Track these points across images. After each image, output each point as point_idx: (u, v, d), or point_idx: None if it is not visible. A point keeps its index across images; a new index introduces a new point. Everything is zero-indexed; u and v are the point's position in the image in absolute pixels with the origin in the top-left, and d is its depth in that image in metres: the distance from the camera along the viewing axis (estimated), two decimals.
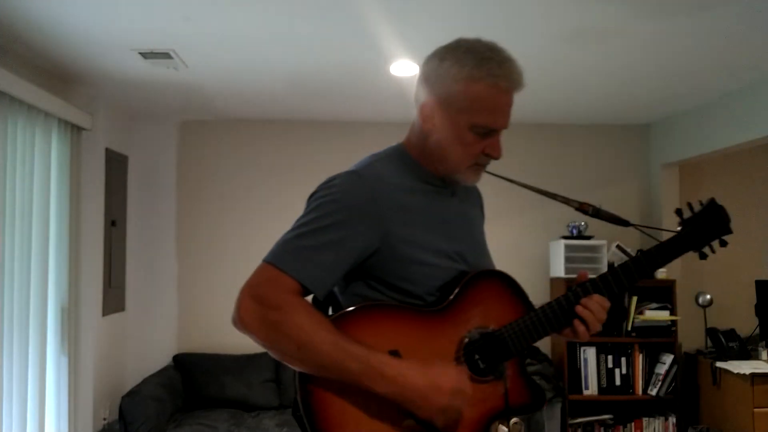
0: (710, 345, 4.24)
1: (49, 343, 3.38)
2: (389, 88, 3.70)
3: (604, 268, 4.12)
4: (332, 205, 1.20)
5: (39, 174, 3.25)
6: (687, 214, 1.35)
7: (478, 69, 1.21)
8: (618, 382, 4.17)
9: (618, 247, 4.25)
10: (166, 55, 3.13)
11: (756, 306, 4.26)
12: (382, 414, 1.17)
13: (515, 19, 2.71)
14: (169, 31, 2.86)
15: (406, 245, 1.22)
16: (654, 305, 4.17)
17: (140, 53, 3.11)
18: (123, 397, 3.68)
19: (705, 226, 1.32)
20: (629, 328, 4.15)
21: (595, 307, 1.28)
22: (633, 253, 4.21)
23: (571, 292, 1.31)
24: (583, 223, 4.27)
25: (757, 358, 4.05)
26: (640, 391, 4.15)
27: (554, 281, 4.40)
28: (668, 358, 4.11)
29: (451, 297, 1.24)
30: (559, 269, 4.19)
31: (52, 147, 3.41)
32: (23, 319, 3.09)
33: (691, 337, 4.39)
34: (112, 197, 4.08)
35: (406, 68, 3.33)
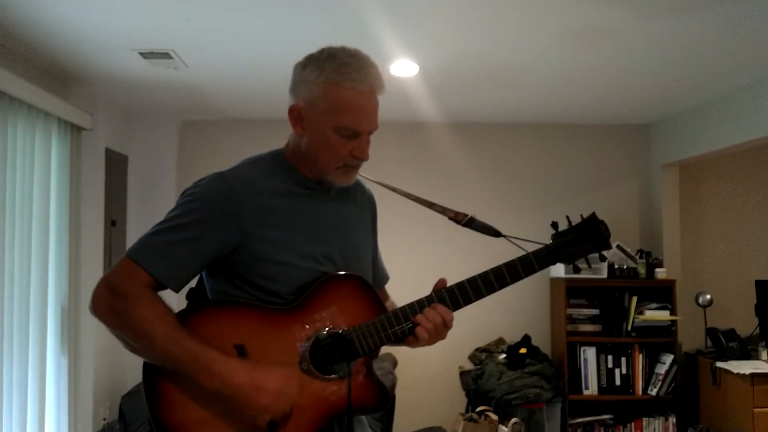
0: (710, 345, 4.24)
1: (49, 343, 3.38)
2: (389, 88, 3.68)
3: (604, 269, 4.12)
4: (194, 203, 1.27)
5: (39, 174, 3.25)
6: (564, 227, 1.40)
7: (337, 73, 1.28)
8: (618, 382, 4.17)
9: (618, 247, 4.25)
10: (166, 55, 3.13)
11: (756, 306, 4.26)
12: (215, 406, 1.23)
13: (515, 19, 2.71)
14: (169, 31, 2.86)
15: (266, 245, 1.28)
16: (654, 305, 4.17)
17: (140, 53, 3.11)
18: (123, 397, 3.69)
19: (579, 240, 1.36)
20: (629, 328, 4.16)
21: (432, 316, 1.32)
22: (633, 253, 4.23)
23: (424, 299, 1.35)
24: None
25: (757, 358, 4.05)
26: (640, 391, 4.15)
27: (554, 282, 4.40)
28: (668, 358, 4.11)
29: (304, 296, 1.29)
30: (559, 270, 4.19)
31: (52, 147, 3.41)
32: (23, 319, 3.09)
33: (691, 337, 4.39)
34: (112, 197, 4.08)
35: (406, 68, 3.33)
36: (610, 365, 4.17)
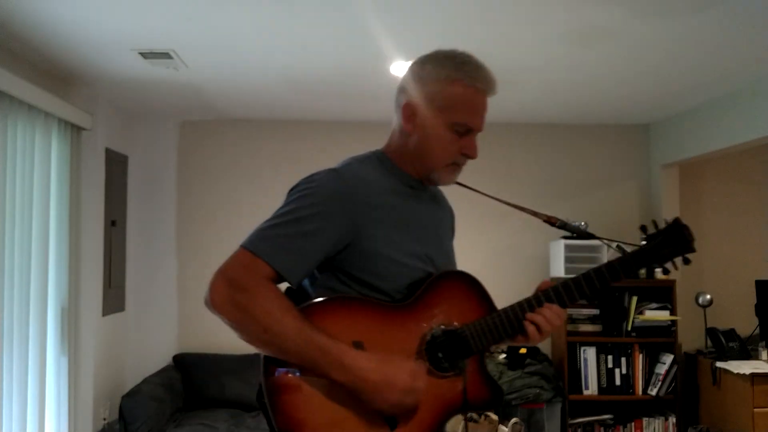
0: (710, 345, 4.24)
1: (49, 343, 3.38)
2: (389, 88, 3.68)
3: None
4: (310, 198, 1.26)
5: (39, 174, 3.25)
6: (652, 230, 1.44)
7: (457, 71, 1.32)
8: (618, 382, 4.16)
9: (618, 247, 4.24)
10: (166, 55, 3.13)
11: (756, 306, 4.26)
12: (343, 404, 1.21)
13: (515, 19, 2.71)
14: (169, 31, 2.86)
15: (377, 242, 1.28)
16: (654, 305, 4.17)
17: (140, 53, 3.11)
18: (123, 397, 3.68)
19: (668, 243, 1.39)
20: (629, 328, 4.15)
21: (548, 314, 1.34)
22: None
23: (533, 298, 1.37)
24: (583, 223, 4.27)
25: (757, 358, 4.05)
26: (640, 391, 4.15)
27: (554, 282, 4.39)
28: (668, 358, 4.11)
29: (417, 294, 1.30)
30: (559, 269, 4.19)
31: (52, 147, 3.41)
32: (23, 319, 3.09)
33: (691, 337, 4.39)
34: (112, 197, 4.08)
35: (406, 68, 3.32)
36: (610, 365, 4.17)
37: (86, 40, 2.96)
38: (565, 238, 4.25)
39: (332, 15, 2.67)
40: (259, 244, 1.22)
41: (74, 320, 3.61)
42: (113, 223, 4.11)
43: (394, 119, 1.42)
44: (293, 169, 5.07)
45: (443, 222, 1.49)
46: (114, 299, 4.14)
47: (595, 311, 4.22)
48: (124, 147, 4.32)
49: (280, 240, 1.22)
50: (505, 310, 1.35)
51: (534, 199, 4.55)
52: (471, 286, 1.37)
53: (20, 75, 2.99)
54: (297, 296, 1.31)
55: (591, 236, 1.50)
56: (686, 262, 1.39)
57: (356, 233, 1.26)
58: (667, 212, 4.49)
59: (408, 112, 1.36)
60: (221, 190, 4.60)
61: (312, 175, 1.32)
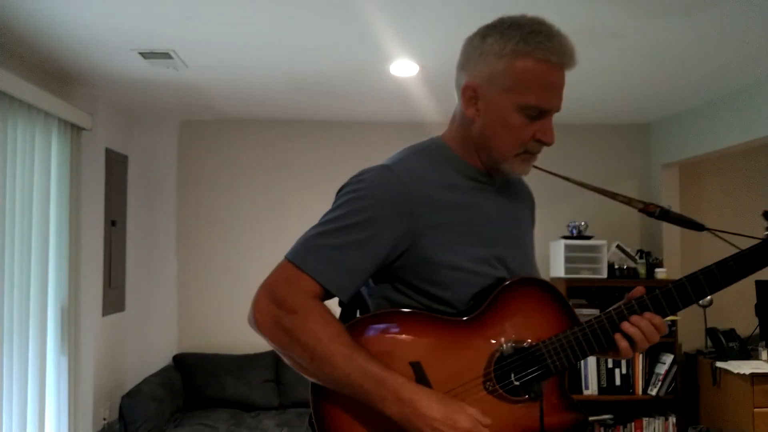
0: (710, 345, 4.24)
1: (49, 343, 3.38)
2: (389, 88, 3.70)
3: (604, 268, 4.12)
4: (360, 201, 1.10)
5: (39, 174, 3.25)
6: None
7: (525, 43, 1.11)
8: (618, 382, 4.16)
9: (618, 247, 4.25)
10: (166, 55, 3.13)
11: (756, 306, 4.25)
12: None
13: None
14: (169, 31, 2.86)
15: (437, 247, 1.12)
16: None
17: (140, 53, 3.11)
18: (123, 397, 3.68)
19: None
20: None
21: (644, 325, 1.14)
22: (633, 254, 4.23)
23: (624, 306, 1.17)
24: (583, 223, 4.27)
25: (757, 358, 4.05)
26: (640, 391, 4.15)
27: (554, 281, 4.39)
28: (668, 358, 4.11)
29: (484, 306, 1.13)
30: (559, 269, 4.19)
31: (52, 147, 3.41)
32: (23, 319, 3.09)
33: (691, 337, 4.39)
34: (112, 197, 4.08)
35: (406, 68, 3.33)
36: (610, 365, 4.17)
37: (86, 40, 2.96)
38: (565, 237, 4.25)
39: (332, 15, 2.67)
40: (306, 256, 1.08)
41: (74, 320, 3.61)
42: (113, 223, 4.11)
43: (456, 103, 1.22)
44: (293, 168, 5.10)
45: (520, 215, 1.29)
46: (114, 299, 4.14)
47: (596, 311, 4.21)
48: (124, 147, 4.32)
49: (327, 252, 1.08)
50: (590, 322, 1.15)
51: (534, 198, 4.55)
52: (548, 294, 1.17)
53: (20, 75, 2.99)
54: (353, 307, 1.22)
55: (701, 228, 1.25)
56: None
57: (413, 238, 1.12)
58: None
59: (468, 94, 1.16)
60: (221, 190, 4.60)
61: (361, 173, 1.15)
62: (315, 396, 1.11)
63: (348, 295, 1.12)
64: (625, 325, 1.14)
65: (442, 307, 1.14)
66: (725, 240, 1.25)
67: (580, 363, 4.15)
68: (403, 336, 1.11)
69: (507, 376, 1.13)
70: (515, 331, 1.14)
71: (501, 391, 1.12)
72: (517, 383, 1.13)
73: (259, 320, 1.07)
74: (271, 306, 1.06)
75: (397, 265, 1.14)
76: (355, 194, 1.11)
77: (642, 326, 1.13)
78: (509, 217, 1.24)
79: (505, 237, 1.21)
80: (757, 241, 1.17)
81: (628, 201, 1.31)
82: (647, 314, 1.15)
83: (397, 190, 1.11)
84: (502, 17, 1.18)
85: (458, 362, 1.11)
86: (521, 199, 1.32)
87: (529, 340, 1.15)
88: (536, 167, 1.26)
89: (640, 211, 1.31)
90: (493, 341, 1.13)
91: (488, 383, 1.12)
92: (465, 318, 1.13)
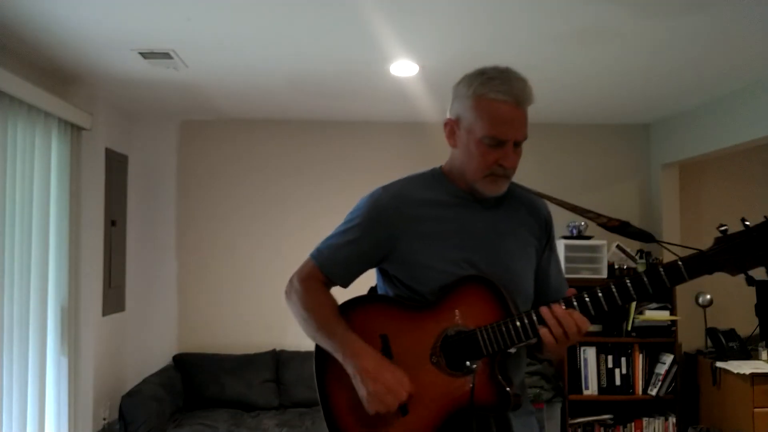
0: (710, 345, 4.24)
1: (49, 343, 3.38)
2: (389, 88, 3.70)
3: (604, 268, 4.12)
4: (355, 212, 1.50)
5: (39, 174, 3.25)
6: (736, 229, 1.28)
7: (483, 86, 1.37)
8: (618, 382, 4.17)
9: (618, 247, 4.25)
10: (166, 55, 3.13)
11: (756, 306, 4.25)
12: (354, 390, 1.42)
13: (515, 19, 2.71)
14: (169, 31, 2.86)
15: (413, 251, 1.44)
16: (654, 305, 4.17)
17: (140, 53, 3.11)
18: (123, 397, 3.69)
19: (750, 246, 1.24)
20: (629, 328, 4.15)
21: (562, 315, 1.32)
22: (633, 254, 4.23)
23: (552, 302, 1.35)
24: (583, 223, 4.27)
25: (757, 358, 4.05)
26: (640, 391, 4.15)
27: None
28: (668, 358, 4.11)
29: (440, 297, 1.41)
30: None
31: (52, 147, 3.41)
32: (23, 319, 3.09)
33: (691, 337, 4.39)
34: (112, 197, 4.08)
35: (406, 68, 3.33)
36: (610, 365, 4.17)
37: (86, 40, 2.96)
38: (566, 237, 4.25)
39: (333, 15, 2.67)
40: (317, 253, 1.52)
41: (74, 320, 3.61)
42: (113, 223, 4.11)
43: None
44: (293, 168, 5.10)
45: (511, 230, 1.50)
46: (114, 299, 4.14)
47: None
48: (124, 147, 4.32)
49: (331, 249, 1.50)
50: (520, 314, 1.36)
51: None
52: (492, 291, 1.39)
53: (20, 75, 2.99)
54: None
55: (652, 239, 1.41)
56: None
57: (393, 243, 1.45)
58: (667, 212, 4.49)
59: (448, 128, 1.47)
60: (221, 190, 4.60)
61: (368, 194, 1.52)
62: (318, 358, 1.51)
63: (344, 282, 1.51)
64: (543, 311, 1.33)
65: (418, 297, 1.44)
66: (672, 252, 1.38)
67: (579, 363, 4.15)
68: (380, 315, 1.47)
69: (449, 353, 1.39)
70: (462, 317, 1.40)
71: (443, 364, 1.39)
72: (457, 361, 1.38)
73: (286, 292, 1.53)
74: (290, 285, 1.53)
75: (388, 265, 1.49)
76: (355, 208, 1.52)
77: (558, 314, 1.32)
78: (492, 231, 1.47)
79: (483, 246, 1.45)
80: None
81: (596, 216, 1.53)
82: (569, 309, 1.34)
83: (381, 205, 1.47)
84: (476, 69, 1.43)
85: (415, 338, 1.42)
86: (520, 217, 1.54)
87: (472, 326, 1.38)
88: (521, 186, 1.53)
89: (599, 225, 1.53)
90: (444, 324, 1.40)
91: (434, 357, 1.40)
92: (426, 305, 1.43)
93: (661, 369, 4.12)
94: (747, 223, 1.28)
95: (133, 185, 4.44)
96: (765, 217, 1.22)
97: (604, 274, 4.12)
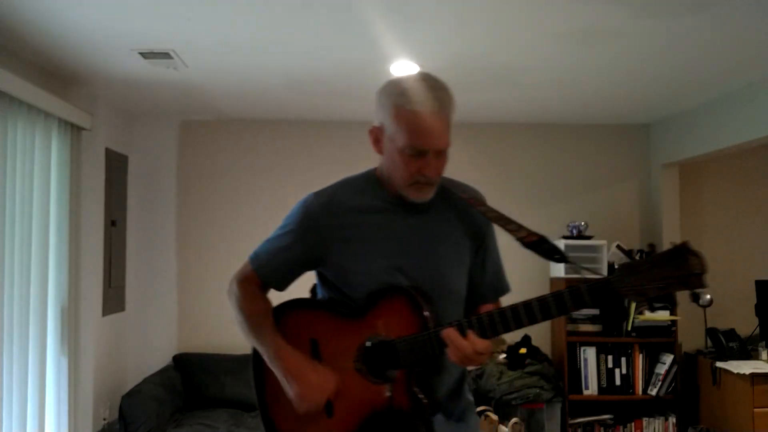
0: (710, 345, 4.24)
1: (49, 343, 3.38)
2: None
3: (605, 268, 4.12)
4: (288, 219, 1.52)
5: (39, 174, 3.25)
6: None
7: (400, 96, 1.37)
8: (618, 382, 4.17)
9: (618, 247, 4.24)
10: (166, 55, 3.13)
11: (756, 306, 4.26)
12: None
13: (515, 19, 2.71)
14: (169, 31, 2.86)
15: (342, 257, 1.46)
16: (654, 305, 4.16)
17: (140, 53, 3.11)
18: (123, 397, 3.68)
19: (654, 273, 1.18)
20: (629, 328, 4.15)
21: (461, 345, 1.32)
22: (633, 254, 4.22)
23: (463, 321, 1.35)
24: (583, 223, 4.27)
25: (757, 358, 4.05)
26: (640, 391, 4.15)
27: (554, 281, 4.40)
28: (668, 358, 4.11)
29: (365, 305, 1.44)
30: (559, 269, 4.19)
31: (52, 147, 3.41)
32: (23, 319, 3.09)
33: (691, 337, 4.39)
34: (112, 197, 4.08)
35: (406, 68, 3.32)
36: (610, 365, 4.17)
37: (86, 40, 2.96)
38: (565, 237, 4.25)
39: (332, 15, 2.67)
40: (255, 257, 1.54)
41: (74, 320, 3.61)
42: (113, 223, 4.11)
43: None
44: (293, 169, 5.10)
45: (439, 232, 1.49)
46: (114, 299, 4.14)
47: (595, 311, 4.22)
48: (124, 147, 4.32)
49: (265, 254, 1.53)
50: (435, 328, 1.36)
51: (533, 199, 4.55)
52: (409, 302, 1.41)
53: (20, 75, 2.99)
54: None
55: (564, 260, 1.43)
56: (694, 299, 1.22)
57: (324, 249, 1.47)
58: (667, 212, 4.49)
59: (372, 136, 1.48)
60: (221, 190, 4.60)
61: (302, 199, 1.53)
62: (255, 361, 1.58)
63: (277, 286, 1.53)
64: (449, 343, 1.33)
65: (349, 301, 1.47)
66: (585, 272, 1.26)
67: (579, 363, 4.15)
68: (311, 320, 1.52)
69: (371, 360, 1.43)
70: (384, 327, 1.42)
71: (365, 371, 1.43)
72: (379, 369, 1.41)
73: (227, 292, 1.56)
74: (229, 287, 1.56)
75: (323, 269, 1.52)
76: (291, 213, 1.53)
77: (459, 346, 1.31)
78: (423, 235, 1.47)
79: (412, 251, 1.46)
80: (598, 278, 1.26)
81: (517, 229, 1.47)
82: (470, 336, 1.32)
83: (312, 212, 1.48)
84: (392, 79, 1.44)
85: (341, 344, 1.46)
86: (452, 219, 1.52)
87: (392, 336, 1.41)
88: (466, 198, 1.53)
89: (517, 239, 1.46)
90: (366, 333, 1.43)
91: (357, 363, 1.44)
92: (353, 313, 1.46)
93: (661, 369, 4.12)
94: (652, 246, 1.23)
95: (133, 185, 4.44)
96: (671, 243, 1.19)
97: (605, 275, 4.11)
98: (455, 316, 1.42)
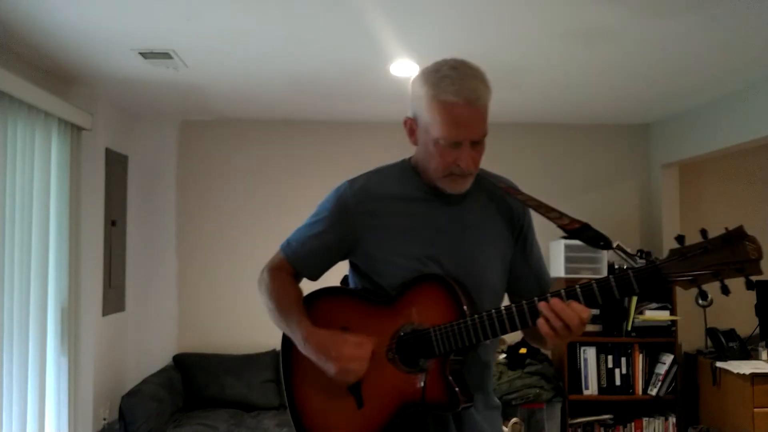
0: (710, 345, 4.24)
1: (49, 343, 3.38)
2: (389, 88, 3.70)
3: (604, 268, 4.12)
4: (322, 206, 1.51)
5: (39, 174, 3.25)
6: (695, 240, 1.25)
7: (435, 86, 1.34)
8: (618, 382, 4.17)
9: (618, 247, 4.25)
10: (166, 55, 3.13)
11: (756, 306, 4.26)
12: (322, 377, 1.43)
13: (515, 19, 2.71)
14: (169, 31, 2.86)
15: (374, 245, 1.44)
16: (654, 305, 4.17)
17: (140, 53, 3.11)
18: (123, 397, 3.69)
19: (707, 259, 1.19)
20: (629, 328, 4.15)
21: (567, 314, 1.25)
22: (633, 253, 4.23)
23: (524, 303, 1.30)
24: None
25: (757, 358, 4.05)
26: (640, 391, 4.15)
27: (554, 282, 4.38)
28: (668, 358, 4.11)
29: (398, 293, 1.41)
30: (559, 269, 4.19)
31: (52, 147, 3.41)
32: (23, 319, 3.09)
33: (691, 337, 4.39)
34: (112, 197, 4.08)
35: (406, 68, 3.32)
36: (610, 365, 4.17)
37: (86, 40, 2.96)
38: (565, 238, 4.25)
39: (332, 15, 2.67)
40: (286, 245, 1.54)
41: (74, 320, 3.61)
42: (113, 223, 4.11)
43: None
44: (293, 168, 5.10)
45: (474, 223, 1.46)
46: (114, 299, 4.14)
47: (595, 311, 4.22)
48: (124, 147, 4.32)
49: (297, 243, 1.52)
50: (473, 316, 1.33)
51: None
52: (446, 290, 1.38)
53: (20, 75, 2.99)
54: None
55: (610, 246, 1.37)
56: (749, 286, 1.17)
57: (356, 237, 1.45)
58: (667, 212, 4.49)
59: (407, 127, 1.45)
60: (221, 189, 4.60)
61: (336, 187, 1.51)
62: (284, 358, 1.55)
63: (309, 273, 1.53)
64: (542, 305, 1.27)
65: (380, 290, 1.44)
66: (626, 259, 1.27)
67: (579, 363, 4.15)
68: (342, 307, 1.50)
69: (404, 350, 1.39)
70: (418, 316, 1.39)
71: (397, 360, 1.39)
72: (412, 358, 1.38)
73: (258, 281, 1.55)
74: (261, 274, 1.55)
75: (354, 259, 1.50)
76: (324, 200, 1.52)
77: (557, 308, 1.25)
78: (458, 225, 1.45)
79: (447, 241, 1.43)
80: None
81: (558, 217, 1.44)
82: (573, 303, 1.26)
83: (345, 199, 1.47)
84: (427, 66, 1.42)
85: (373, 333, 1.41)
86: (489, 210, 1.50)
87: (426, 325, 1.37)
88: (509, 189, 1.52)
89: (560, 227, 1.44)
90: (400, 321, 1.40)
91: (389, 352, 1.40)
92: (385, 300, 1.43)
93: (661, 369, 4.12)
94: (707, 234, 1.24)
95: (133, 185, 4.44)
96: (726, 228, 1.18)
97: (605, 275, 4.11)
98: (489, 308, 1.35)
